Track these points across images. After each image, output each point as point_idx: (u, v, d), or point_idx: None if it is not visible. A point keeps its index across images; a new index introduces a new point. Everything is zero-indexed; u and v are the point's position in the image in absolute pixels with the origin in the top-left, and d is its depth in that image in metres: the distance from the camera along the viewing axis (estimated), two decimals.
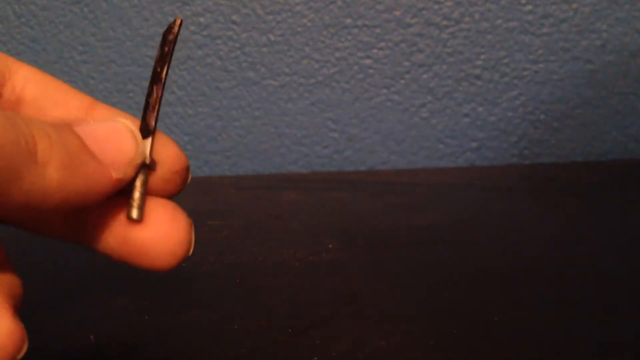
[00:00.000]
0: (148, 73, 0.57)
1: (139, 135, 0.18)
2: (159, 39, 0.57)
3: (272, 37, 0.56)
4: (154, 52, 0.56)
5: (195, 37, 0.56)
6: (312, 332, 0.24)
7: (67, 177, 0.15)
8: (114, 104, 0.64)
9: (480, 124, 0.57)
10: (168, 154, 0.20)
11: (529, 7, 0.55)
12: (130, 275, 0.30)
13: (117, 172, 0.17)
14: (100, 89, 0.57)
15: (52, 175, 0.15)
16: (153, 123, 0.19)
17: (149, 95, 0.20)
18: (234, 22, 0.56)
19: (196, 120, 0.58)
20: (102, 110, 0.21)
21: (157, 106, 0.20)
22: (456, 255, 0.32)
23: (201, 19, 0.56)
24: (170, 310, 0.26)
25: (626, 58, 0.55)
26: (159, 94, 0.20)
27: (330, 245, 0.34)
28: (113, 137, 0.17)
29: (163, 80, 0.20)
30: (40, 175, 0.15)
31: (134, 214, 0.18)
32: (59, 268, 0.31)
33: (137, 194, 0.18)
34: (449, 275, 0.30)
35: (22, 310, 0.25)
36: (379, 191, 0.47)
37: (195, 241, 0.36)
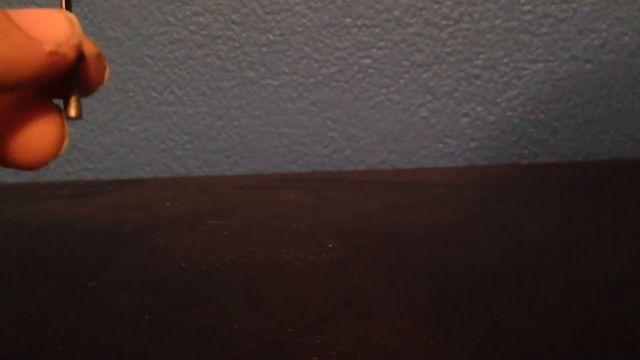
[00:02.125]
0: (148, 73, 0.57)
1: (74, 18, 0.17)
2: (159, 39, 0.57)
3: (271, 37, 0.56)
4: (154, 52, 0.56)
5: (195, 37, 0.56)
6: (312, 332, 0.24)
7: None
8: (113, 104, 0.64)
9: (480, 124, 0.57)
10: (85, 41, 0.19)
11: (529, 7, 0.55)
12: (130, 274, 0.30)
13: (51, 46, 0.16)
14: (100, 88, 0.57)
15: None
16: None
17: None
18: (233, 22, 0.56)
19: (196, 120, 0.58)
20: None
21: None
22: (456, 255, 0.32)
23: (201, 19, 0.56)
24: (170, 310, 0.26)
25: (625, 58, 0.55)
26: None
27: (330, 245, 0.34)
28: (45, 17, 0.17)
29: None
30: None
31: (72, 112, 0.18)
32: (59, 268, 0.31)
33: (74, 89, 0.18)
34: (449, 275, 0.30)
35: (23, 310, 0.25)
36: (378, 191, 0.47)
37: (196, 241, 0.36)
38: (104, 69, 0.19)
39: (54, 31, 0.17)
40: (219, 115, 0.57)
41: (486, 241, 0.34)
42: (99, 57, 0.19)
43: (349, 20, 0.56)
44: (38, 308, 0.26)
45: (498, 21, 0.55)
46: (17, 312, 0.26)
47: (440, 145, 0.57)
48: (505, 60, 0.56)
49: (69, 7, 0.19)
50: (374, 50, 0.56)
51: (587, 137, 0.57)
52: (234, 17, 0.56)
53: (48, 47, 0.16)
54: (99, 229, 0.39)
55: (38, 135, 0.18)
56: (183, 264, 0.32)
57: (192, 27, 0.56)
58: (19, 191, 0.51)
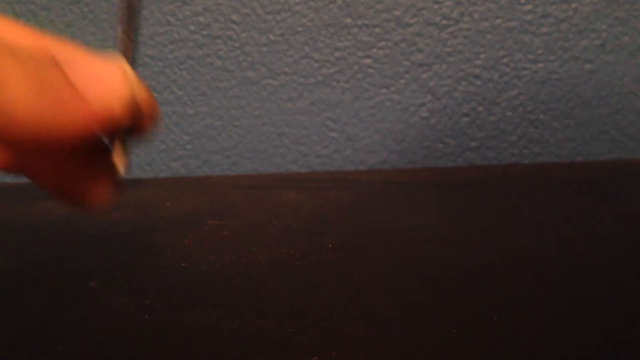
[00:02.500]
0: (148, 73, 0.57)
1: (131, 74, 0.17)
2: (159, 39, 0.57)
3: (272, 37, 0.56)
4: (154, 52, 0.56)
5: (195, 37, 0.56)
6: (312, 332, 0.24)
7: (39, 103, 0.15)
8: None
9: (480, 124, 0.57)
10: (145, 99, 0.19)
11: (529, 7, 0.55)
12: (130, 275, 0.30)
13: (103, 107, 0.16)
14: None
15: (21, 98, 0.14)
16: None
17: (122, 42, 0.18)
18: (233, 22, 0.56)
19: (196, 120, 0.58)
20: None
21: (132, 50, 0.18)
22: (456, 255, 0.32)
23: (201, 19, 0.56)
24: (170, 310, 0.26)
25: (625, 57, 0.55)
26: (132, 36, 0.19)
27: (330, 245, 0.34)
28: (102, 73, 0.16)
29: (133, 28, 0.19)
30: (12, 105, 0.14)
31: (122, 170, 0.18)
32: (59, 268, 0.31)
33: (123, 148, 0.18)
34: (449, 275, 0.30)
35: (24, 310, 0.25)
36: (378, 191, 0.47)
37: (196, 241, 0.36)
38: (155, 115, 0.19)
39: (109, 90, 0.16)
40: (219, 115, 0.57)
41: (486, 241, 0.34)
42: (151, 104, 0.19)
43: (349, 20, 0.56)
44: (38, 308, 0.26)
45: (498, 21, 0.55)
46: (17, 312, 0.26)
47: (441, 145, 0.57)
48: (505, 60, 0.56)
49: (129, 47, 0.19)
50: (374, 50, 0.56)
51: (587, 137, 0.57)
52: (234, 17, 0.56)
53: (100, 111, 0.16)
54: (99, 229, 0.39)
55: (90, 186, 0.18)
56: (183, 264, 0.32)
57: (192, 27, 0.56)
58: (19, 191, 0.51)
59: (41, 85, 0.15)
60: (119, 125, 0.17)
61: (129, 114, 0.17)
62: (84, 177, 0.18)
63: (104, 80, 0.16)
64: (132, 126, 0.17)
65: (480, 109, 0.57)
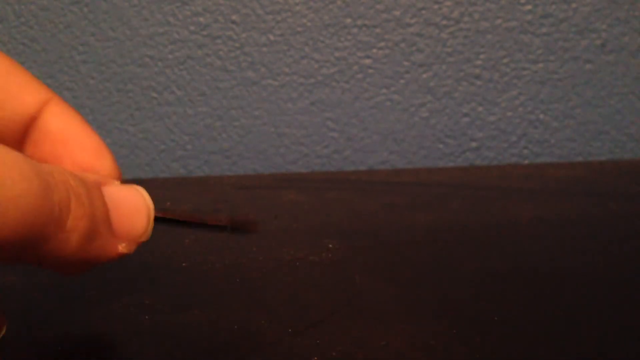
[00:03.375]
0: (148, 73, 0.57)
1: (152, 213, 0.18)
2: (159, 39, 0.57)
3: (272, 37, 0.56)
4: (154, 52, 0.56)
5: (195, 37, 0.56)
6: (312, 332, 0.24)
7: (85, 245, 0.15)
8: (113, 104, 0.64)
9: (480, 124, 0.57)
10: None
11: (529, 7, 0.55)
12: (130, 275, 0.30)
13: (124, 247, 0.17)
14: (100, 89, 0.57)
15: (73, 242, 0.15)
16: None
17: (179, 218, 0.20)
18: (233, 22, 0.56)
19: (196, 120, 0.58)
20: (57, 108, 0.20)
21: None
22: (456, 255, 0.32)
23: (201, 19, 0.56)
24: (170, 310, 0.26)
25: (625, 58, 0.55)
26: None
27: (330, 245, 0.34)
28: (133, 212, 0.18)
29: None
30: (64, 241, 0.15)
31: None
32: None
33: None
34: (449, 275, 0.30)
35: (24, 310, 0.25)
36: (379, 191, 0.47)
37: (196, 241, 0.36)
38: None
39: (134, 228, 0.18)
40: (219, 115, 0.57)
41: (486, 241, 0.34)
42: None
43: (349, 20, 0.56)
44: (37, 308, 0.26)
45: (498, 21, 0.55)
46: (17, 312, 0.26)
47: (441, 145, 0.57)
48: (505, 60, 0.56)
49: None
50: (374, 50, 0.56)
51: (587, 137, 0.57)
52: (234, 17, 0.56)
53: (122, 249, 0.17)
54: None
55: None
56: (183, 264, 0.32)
57: (192, 27, 0.56)
58: None
59: (93, 231, 0.16)
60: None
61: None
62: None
63: (133, 217, 0.18)
64: None
65: (480, 109, 0.57)
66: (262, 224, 0.21)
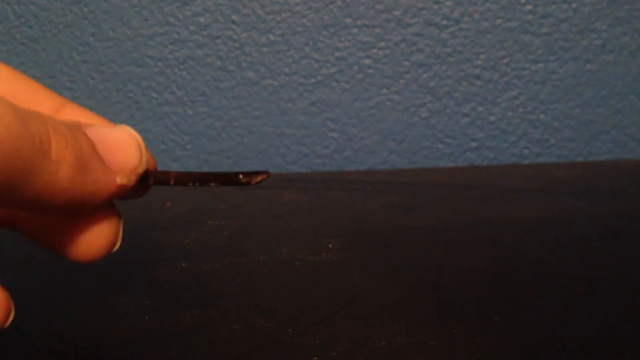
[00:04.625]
0: (148, 73, 0.57)
1: (143, 146, 0.19)
2: (159, 39, 0.57)
3: (272, 37, 0.56)
4: (154, 52, 0.56)
5: (195, 37, 0.56)
6: (312, 332, 0.24)
7: (77, 177, 0.16)
8: (113, 104, 0.64)
9: (480, 124, 0.57)
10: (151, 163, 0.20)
11: (529, 7, 0.55)
12: (130, 275, 0.30)
13: (122, 178, 0.17)
14: (100, 89, 0.57)
15: (64, 174, 0.15)
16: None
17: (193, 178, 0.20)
18: (234, 22, 0.56)
19: (196, 120, 0.58)
20: (72, 110, 0.20)
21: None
22: (456, 255, 0.32)
23: (201, 19, 0.56)
24: (170, 310, 0.26)
25: (626, 58, 0.55)
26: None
27: (330, 245, 0.34)
28: (121, 145, 0.18)
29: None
30: (54, 173, 0.15)
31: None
32: (59, 268, 0.31)
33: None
34: (449, 275, 0.30)
35: (24, 310, 0.25)
36: (379, 191, 0.47)
37: (196, 241, 0.36)
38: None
39: (127, 160, 0.18)
40: (219, 115, 0.57)
41: (487, 241, 0.34)
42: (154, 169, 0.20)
43: (349, 20, 0.56)
44: (37, 308, 0.26)
45: (498, 21, 0.55)
46: (16, 312, 0.26)
47: (441, 146, 0.57)
48: (505, 60, 0.56)
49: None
50: (374, 50, 0.56)
51: (587, 137, 0.57)
52: (234, 17, 0.56)
53: (120, 180, 0.17)
54: None
55: (96, 236, 0.19)
56: (183, 264, 0.32)
57: (192, 27, 0.56)
58: None
59: (82, 161, 0.16)
60: (130, 189, 0.18)
61: (138, 180, 0.18)
62: (81, 229, 0.19)
63: (122, 149, 0.18)
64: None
65: (480, 109, 0.57)
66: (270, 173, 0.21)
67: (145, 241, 0.35)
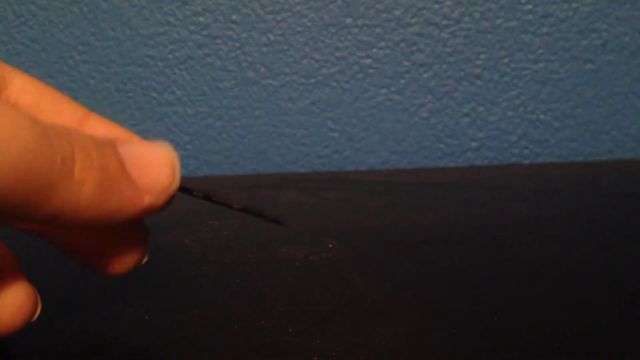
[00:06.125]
0: (148, 73, 0.57)
1: (177, 165, 0.18)
2: (159, 39, 0.57)
3: (272, 37, 0.56)
4: (154, 52, 0.56)
5: (195, 37, 0.56)
6: (312, 332, 0.24)
7: (101, 196, 0.15)
8: (113, 104, 0.64)
9: (480, 124, 0.57)
10: None
11: (529, 7, 0.55)
12: (130, 275, 0.30)
13: (151, 198, 0.17)
14: (100, 89, 0.57)
15: (86, 194, 0.15)
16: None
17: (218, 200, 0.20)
18: (233, 22, 0.56)
19: (196, 120, 0.58)
20: (96, 122, 0.20)
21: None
22: (456, 255, 0.32)
23: (201, 19, 0.56)
24: (170, 310, 0.26)
25: (626, 57, 0.55)
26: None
27: (330, 245, 0.34)
28: (154, 164, 0.17)
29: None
30: (75, 193, 0.15)
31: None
32: (58, 268, 0.31)
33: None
34: (449, 275, 0.30)
35: None
36: (379, 191, 0.47)
37: (196, 241, 0.36)
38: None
39: (158, 180, 0.17)
40: (219, 115, 0.57)
41: (486, 241, 0.34)
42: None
43: (349, 20, 0.56)
44: None
45: (499, 21, 0.55)
46: None
47: (441, 145, 0.57)
48: (505, 60, 0.56)
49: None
50: (374, 50, 0.56)
51: (587, 137, 0.57)
52: (234, 17, 0.56)
53: (148, 200, 0.17)
54: None
55: (124, 251, 0.19)
56: (183, 264, 0.32)
57: (192, 27, 0.56)
58: None
59: (107, 180, 0.15)
60: (159, 210, 0.18)
61: (169, 201, 0.18)
62: (111, 245, 0.19)
63: (154, 168, 0.17)
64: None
65: (480, 109, 0.57)
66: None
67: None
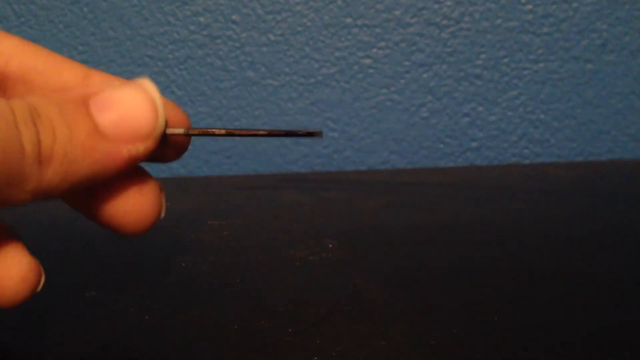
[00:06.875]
0: (148, 73, 0.57)
1: (160, 103, 0.16)
2: (159, 39, 0.57)
3: (272, 37, 0.56)
4: (154, 52, 0.56)
5: (195, 37, 0.56)
6: (312, 332, 0.24)
7: (71, 168, 0.15)
8: None
9: (480, 124, 0.57)
10: (179, 119, 0.19)
11: (529, 7, 0.55)
12: (130, 275, 0.30)
13: (130, 148, 0.16)
14: None
15: (56, 171, 0.14)
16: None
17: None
18: (234, 22, 0.56)
19: (196, 120, 0.58)
20: (98, 78, 0.19)
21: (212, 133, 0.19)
22: (456, 255, 0.32)
23: (201, 19, 0.56)
24: (170, 310, 0.26)
25: (626, 57, 0.55)
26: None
27: (330, 245, 0.34)
28: (130, 108, 0.16)
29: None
30: (43, 174, 0.14)
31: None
32: (59, 268, 0.31)
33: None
34: (449, 275, 0.30)
35: (23, 309, 0.25)
36: (379, 191, 0.47)
37: (196, 241, 0.36)
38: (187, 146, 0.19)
39: (135, 126, 0.16)
40: (219, 115, 0.57)
41: (486, 241, 0.34)
42: (181, 119, 0.19)
43: (349, 20, 0.56)
44: (37, 308, 0.26)
45: (499, 21, 0.55)
46: (17, 312, 0.26)
47: (441, 145, 0.57)
48: (506, 60, 0.56)
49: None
50: (374, 50, 0.56)
51: (588, 137, 0.57)
52: (234, 17, 0.56)
53: (127, 151, 0.16)
54: (99, 228, 0.39)
55: (136, 207, 0.18)
56: (183, 264, 0.32)
57: (192, 27, 0.56)
58: None
59: (75, 149, 0.15)
60: (149, 155, 0.17)
61: (157, 142, 0.17)
62: (119, 201, 0.18)
63: (130, 114, 0.16)
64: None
65: (480, 109, 0.57)
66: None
67: (146, 241, 0.35)
